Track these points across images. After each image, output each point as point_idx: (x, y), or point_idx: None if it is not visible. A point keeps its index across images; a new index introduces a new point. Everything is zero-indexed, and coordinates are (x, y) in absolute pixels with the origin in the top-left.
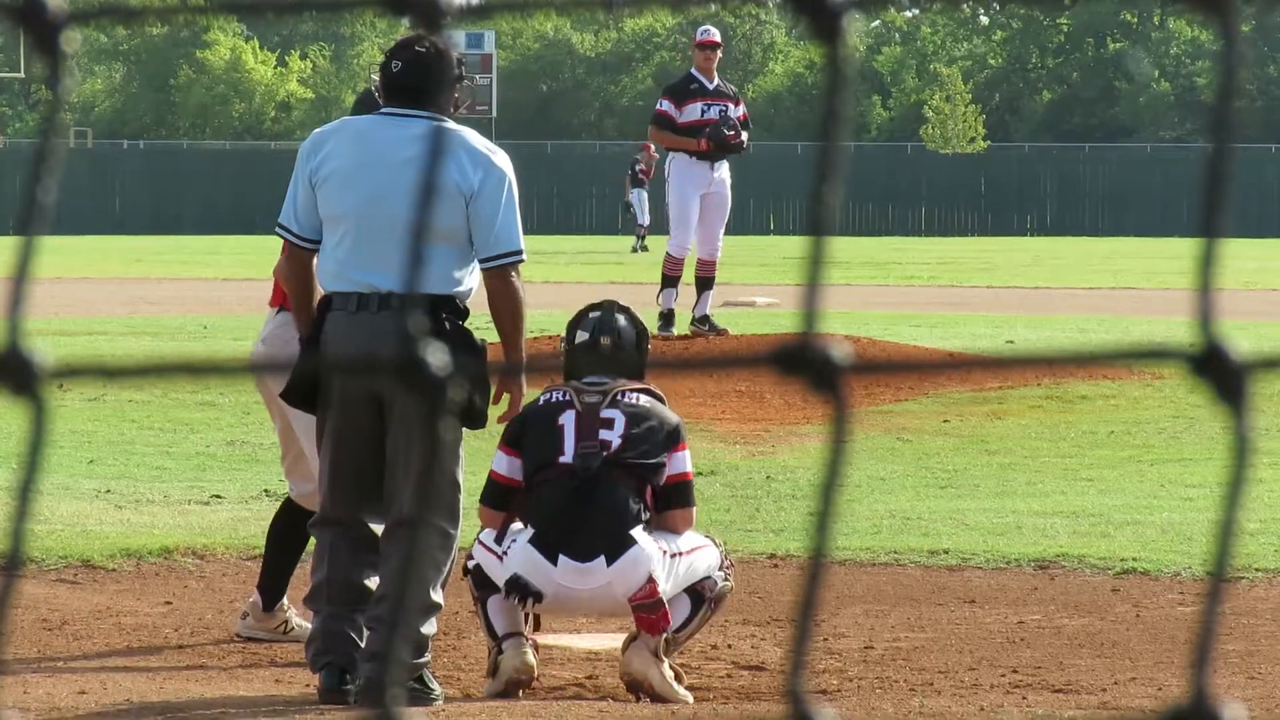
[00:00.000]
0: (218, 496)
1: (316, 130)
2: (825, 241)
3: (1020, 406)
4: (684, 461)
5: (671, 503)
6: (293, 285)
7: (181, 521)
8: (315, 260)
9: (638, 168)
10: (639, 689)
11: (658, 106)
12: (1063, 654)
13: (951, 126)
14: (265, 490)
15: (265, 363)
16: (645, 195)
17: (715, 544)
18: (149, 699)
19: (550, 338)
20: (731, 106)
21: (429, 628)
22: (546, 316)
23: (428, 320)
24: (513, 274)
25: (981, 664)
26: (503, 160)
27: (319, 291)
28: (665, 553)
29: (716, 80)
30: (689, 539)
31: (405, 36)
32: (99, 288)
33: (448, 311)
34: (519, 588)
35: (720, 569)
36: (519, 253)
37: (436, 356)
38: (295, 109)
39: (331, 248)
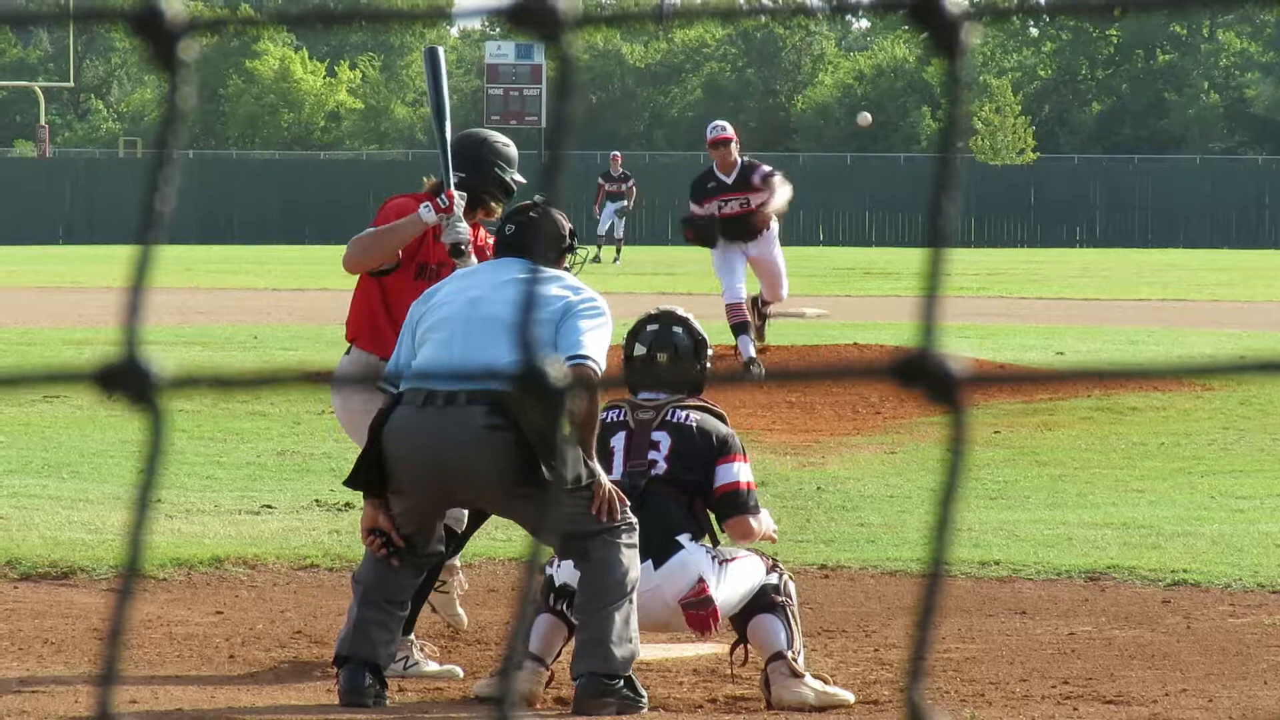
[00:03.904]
0: (268, 506)
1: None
2: (944, 253)
3: (1070, 418)
4: (731, 472)
5: (725, 513)
6: None
7: (232, 531)
8: None
9: (608, 187)
10: (803, 710)
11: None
12: (1114, 665)
13: (1001, 138)
14: (316, 500)
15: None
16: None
17: (757, 554)
18: (200, 708)
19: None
20: (751, 197)
21: (628, 623)
22: None
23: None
24: (591, 378)
25: (1032, 675)
26: (596, 293)
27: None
28: (714, 558)
29: (735, 172)
30: (729, 548)
31: (520, 204)
32: (148, 296)
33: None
34: (566, 594)
35: (769, 571)
36: (595, 360)
37: (555, 369)
38: (345, 119)
39: (419, 353)
